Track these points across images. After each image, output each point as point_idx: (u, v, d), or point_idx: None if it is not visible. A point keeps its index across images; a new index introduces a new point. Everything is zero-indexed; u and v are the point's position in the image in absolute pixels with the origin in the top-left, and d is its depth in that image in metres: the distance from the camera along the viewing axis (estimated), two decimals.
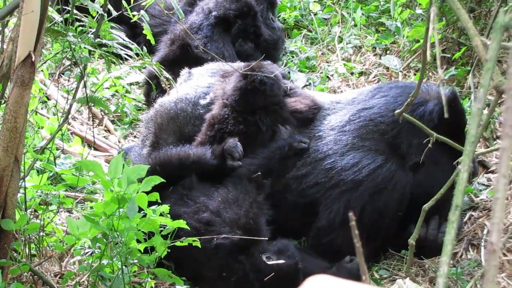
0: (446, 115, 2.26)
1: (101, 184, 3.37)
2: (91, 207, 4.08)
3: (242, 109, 4.27)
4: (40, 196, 3.95)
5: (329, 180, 4.09)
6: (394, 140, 4.07)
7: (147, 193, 3.21)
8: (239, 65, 4.72)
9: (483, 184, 4.67)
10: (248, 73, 4.29)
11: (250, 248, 3.83)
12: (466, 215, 4.43)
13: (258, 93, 4.29)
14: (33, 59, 2.83)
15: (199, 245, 3.40)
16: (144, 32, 4.18)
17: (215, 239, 3.80)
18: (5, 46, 3.51)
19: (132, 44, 4.03)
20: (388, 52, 6.35)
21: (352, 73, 6.10)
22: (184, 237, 3.39)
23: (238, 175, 4.15)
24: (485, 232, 4.26)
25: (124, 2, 4.10)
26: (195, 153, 4.15)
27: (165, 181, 3.27)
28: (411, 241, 3.35)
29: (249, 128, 4.27)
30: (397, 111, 3.38)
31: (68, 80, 5.53)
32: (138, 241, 3.31)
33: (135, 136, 5.38)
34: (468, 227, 4.34)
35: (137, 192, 3.17)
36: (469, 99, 5.34)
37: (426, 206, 3.23)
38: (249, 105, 4.28)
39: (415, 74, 5.89)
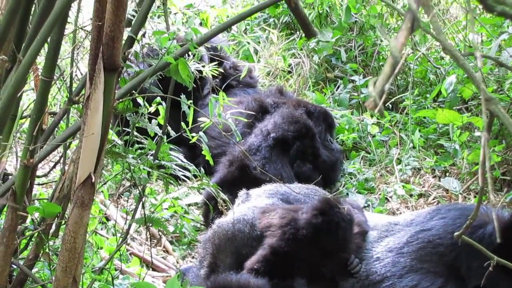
0: (498, 240, 2.22)
1: None
2: None
3: (309, 247, 4.20)
4: None
5: None
6: (453, 262, 4.01)
7: None
8: (296, 185, 4.75)
9: None
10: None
11: None
12: None
13: (334, 233, 4.22)
14: (93, 180, 2.88)
15: None
16: (203, 153, 4.24)
17: None
18: (66, 167, 3.58)
19: (190, 166, 4.08)
20: (447, 174, 6.31)
21: (411, 195, 6.06)
22: None
23: None
24: None
25: (183, 124, 4.17)
26: (255, 283, 4.09)
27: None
28: None
29: (310, 271, 4.21)
30: (456, 233, 3.33)
31: (127, 201, 5.60)
32: None
33: (193, 257, 5.38)
34: None
35: None
36: None
37: None
38: (318, 245, 4.20)
39: (475, 197, 5.83)
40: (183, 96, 3.99)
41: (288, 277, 4.13)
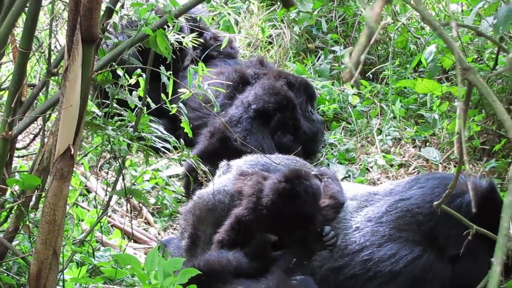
0: (474, 210, 2.24)
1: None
2: None
3: (273, 213, 4.22)
4: None
5: (367, 272, 4.05)
6: (431, 231, 4.04)
7: (184, 285, 3.22)
8: (277, 156, 4.77)
9: None
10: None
11: None
12: None
13: (293, 202, 4.25)
14: (72, 152, 2.87)
15: None
16: (182, 125, 4.24)
17: None
18: (46, 140, 3.57)
19: (170, 137, 4.08)
20: (427, 144, 6.34)
21: (391, 165, 6.09)
22: None
23: (277, 266, 4.12)
24: None
25: (163, 95, 4.16)
26: (234, 258, 4.10)
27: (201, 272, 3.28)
28: None
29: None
30: (435, 202, 3.36)
31: (107, 173, 5.59)
32: None
33: (174, 229, 5.39)
34: None
35: (174, 285, 3.17)
36: None
37: None
38: (281, 210, 4.22)
39: (455, 166, 5.86)
40: (162, 68, 3.97)
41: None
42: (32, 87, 3.82)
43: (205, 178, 4.38)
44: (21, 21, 4.32)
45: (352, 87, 6.92)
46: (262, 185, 4.30)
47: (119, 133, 3.75)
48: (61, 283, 3.65)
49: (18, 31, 4.16)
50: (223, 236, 4.25)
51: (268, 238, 4.16)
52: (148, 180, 5.71)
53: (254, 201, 4.25)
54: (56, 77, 3.54)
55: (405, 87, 6.91)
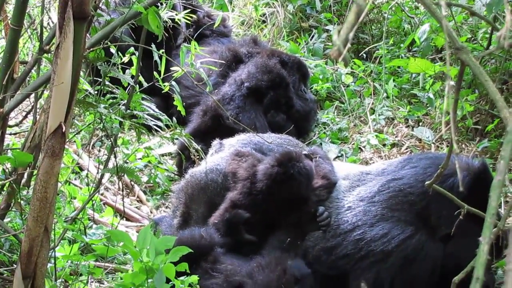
0: (461, 189, 2.24)
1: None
2: (121, 278, 4.08)
3: (268, 197, 4.24)
4: (70, 266, 3.97)
5: (359, 251, 4.06)
6: (423, 211, 4.04)
7: (175, 263, 3.22)
8: (270, 135, 4.76)
9: None
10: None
11: None
12: None
13: (288, 185, 4.26)
14: (63, 130, 2.86)
15: None
16: (175, 103, 4.23)
17: None
18: (37, 117, 3.56)
19: (163, 115, 4.07)
20: (420, 123, 6.34)
21: (384, 145, 6.09)
22: None
23: (270, 245, 4.13)
24: None
25: (155, 74, 4.15)
26: (207, 233, 4.12)
27: (192, 251, 3.29)
28: None
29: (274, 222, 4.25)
30: (427, 182, 3.36)
31: (99, 151, 5.59)
32: None
33: (167, 207, 5.39)
34: None
35: (165, 263, 3.18)
36: None
37: (456, 279, 3.18)
38: (277, 194, 4.24)
39: (447, 146, 5.86)
40: (154, 46, 3.96)
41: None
42: (24, 64, 3.81)
43: (198, 157, 4.37)
44: None
45: (346, 66, 6.90)
46: (257, 168, 4.30)
47: (111, 111, 3.74)
48: (52, 260, 3.65)
49: (10, 7, 4.14)
50: (218, 219, 4.26)
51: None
52: (140, 158, 5.71)
53: (248, 186, 4.26)
54: (49, 54, 3.53)
55: (398, 67, 6.90)
